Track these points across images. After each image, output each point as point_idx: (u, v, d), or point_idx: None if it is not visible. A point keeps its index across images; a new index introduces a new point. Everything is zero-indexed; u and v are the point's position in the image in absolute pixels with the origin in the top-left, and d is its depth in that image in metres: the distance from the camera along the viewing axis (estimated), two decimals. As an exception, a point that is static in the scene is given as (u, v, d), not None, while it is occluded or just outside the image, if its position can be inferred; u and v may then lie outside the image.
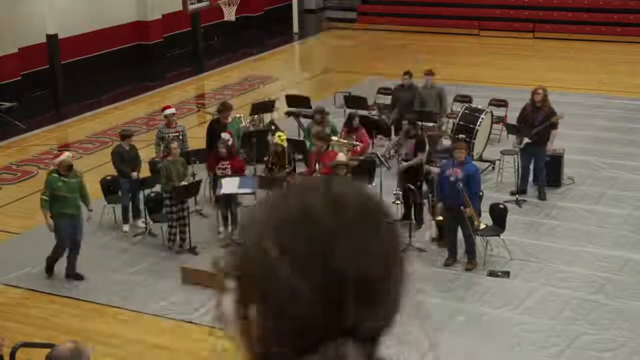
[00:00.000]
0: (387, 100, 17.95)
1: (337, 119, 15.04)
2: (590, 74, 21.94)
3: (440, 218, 11.64)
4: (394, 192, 12.36)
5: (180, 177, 12.05)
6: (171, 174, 11.99)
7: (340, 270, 1.30)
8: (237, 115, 15.12)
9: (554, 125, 13.43)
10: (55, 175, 11.09)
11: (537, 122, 13.33)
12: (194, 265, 11.29)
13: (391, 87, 17.92)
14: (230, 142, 13.26)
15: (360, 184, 1.41)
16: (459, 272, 11.29)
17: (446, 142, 11.99)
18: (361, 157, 12.97)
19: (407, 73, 15.75)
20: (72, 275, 11.42)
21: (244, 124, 15.38)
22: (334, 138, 13.05)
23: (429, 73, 15.44)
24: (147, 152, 15.31)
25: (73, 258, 11.39)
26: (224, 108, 14.00)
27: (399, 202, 12.39)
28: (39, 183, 12.48)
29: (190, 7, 20.96)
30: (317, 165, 11.86)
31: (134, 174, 12.57)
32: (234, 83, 22.04)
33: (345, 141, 13.10)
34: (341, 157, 11.49)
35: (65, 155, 11.45)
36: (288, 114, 17.04)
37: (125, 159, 12.67)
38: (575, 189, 14.06)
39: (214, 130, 13.76)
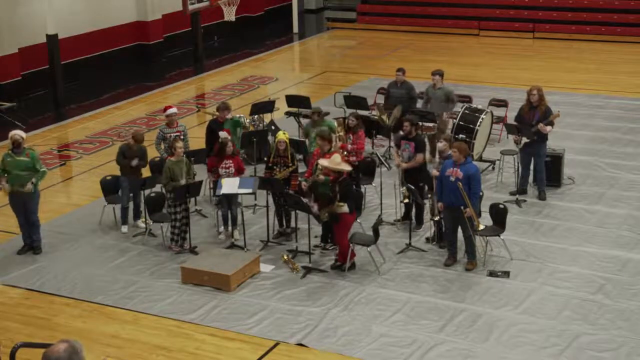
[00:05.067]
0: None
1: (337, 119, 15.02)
2: (590, 74, 21.97)
3: (437, 218, 11.64)
4: (402, 190, 12.20)
5: (183, 176, 12.02)
6: (174, 175, 11.98)
7: None
8: (237, 115, 15.11)
9: (551, 124, 13.42)
10: (9, 151, 12.02)
11: (534, 121, 13.32)
12: (194, 265, 11.29)
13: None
14: (228, 139, 13.26)
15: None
16: (459, 272, 11.29)
17: (440, 145, 11.96)
18: (355, 162, 12.93)
19: (400, 70, 15.74)
20: (27, 244, 12.23)
21: (244, 124, 15.37)
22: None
23: (437, 73, 15.34)
24: (147, 152, 15.33)
25: (30, 233, 12.18)
26: (221, 108, 14.01)
27: (406, 201, 12.24)
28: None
29: (190, 7, 20.98)
30: (319, 165, 11.83)
31: (135, 160, 12.54)
32: (234, 83, 22.04)
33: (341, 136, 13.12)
34: (336, 157, 11.40)
35: (13, 132, 12.14)
36: (288, 114, 17.05)
37: (126, 155, 12.69)
38: (575, 189, 14.06)
39: (212, 130, 13.78)
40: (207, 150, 13.68)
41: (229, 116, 13.90)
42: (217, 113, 14.11)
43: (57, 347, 4.49)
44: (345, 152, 12.89)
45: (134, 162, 12.55)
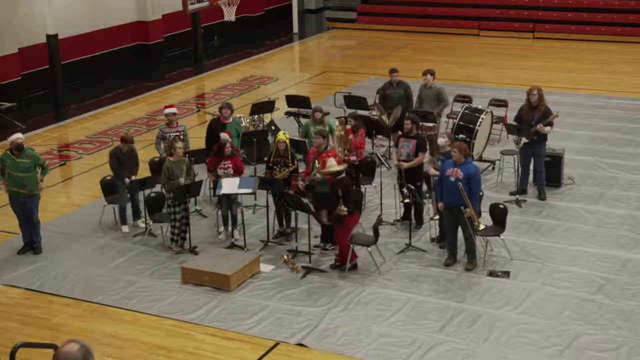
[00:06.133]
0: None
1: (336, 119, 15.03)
2: (590, 74, 21.97)
3: (437, 217, 11.63)
4: (402, 190, 12.21)
5: (183, 176, 12.00)
6: (173, 175, 11.97)
7: None
8: (238, 116, 15.13)
9: (550, 124, 13.43)
10: (8, 152, 12.01)
11: (534, 122, 13.33)
12: (194, 265, 11.29)
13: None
14: (228, 141, 13.25)
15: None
16: (459, 272, 11.29)
17: (441, 140, 11.97)
18: (355, 162, 13.01)
19: (395, 70, 15.76)
20: (27, 244, 12.25)
21: (244, 124, 15.39)
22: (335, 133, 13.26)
23: (428, 72, 15.51)
24: (147, 152, 15.35)
25: (31, 233, 12.22)
26: (223, 107, 14.01)
27: (406, 200, 12.25)
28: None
29: (190, 7, 20.96)
30: (316, 163, 11.85)
31: (128, 180, 12.58)
32: (234, 83, 22.04)
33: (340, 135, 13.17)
34: (332, 162, 11.45)
35: (15, 135, 12.18)
36: (288, 114, 17.05)
37: (122, 161, 12.69)
38: (575, 189, 14.06)
39: (213, 130, 13.77)
40: (206, 150, 13.68)
41: (229, 120, 13.89)
42: (218, 113, 14.10)
43: (70, 348, 4.46)
44: (346, 151, 12.93)
45: (127, 182, 12.58)
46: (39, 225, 12.27)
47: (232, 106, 14.18)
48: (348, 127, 13.24)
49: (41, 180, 12.16)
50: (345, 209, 11.04)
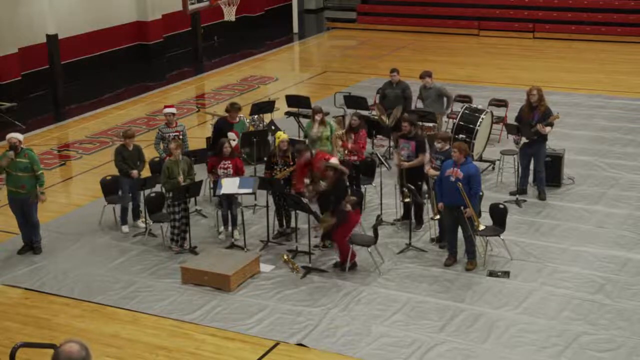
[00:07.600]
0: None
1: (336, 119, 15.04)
2: (590, 74, 21.97)
3: (438, 217, 11.63)
4: (401, 190, 12.25)
5: (185, 176, 12.00)
6: (172, 174, 11.97)
7: None
8: (240, 116, 15.14)
9: (550, 125, 13.44)
10: (7, 152, 11.95)
11: (534, 122, 13.33)
12: (194, 265, 11.29)
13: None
14: (235, 142, 13.26)
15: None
16: (459, 272, 11.29)
17: (438, 145, 12.02)
18: (356, 162, 13.09)
19: (395, 70, 15.83)
20: (27, 244, 12.24)
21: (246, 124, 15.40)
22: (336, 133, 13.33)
23: (426, 75, 15.60)
24: (147, 152, 15.34)
25: (30, 233, 12.21)
26: (232, 108, 14.07)
27: (407, 200, 12.28)
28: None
29: (190, 7, 20.97)
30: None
31: (134, 172, 12.59)
32: (234, 83, 22.04)
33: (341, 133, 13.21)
34: (334, 160, 11.52)
35: (10, 135, 12.13)
36: (288, 114, 17.06)
37: (126, 158, 12.69)
38: (575, 189, 14.06)
39: (221, 129, 13.79)
40: (208, 149, 13.70)
41: (237, 120, 13.95)
42: (218, 114, 14.12)
43: (71, 348, 4.48)
44: (346, 151, 12.97)
45: (134, 174, 12.56)
46: (39, 225, 12.26)
47: (240, 107, 14.23)
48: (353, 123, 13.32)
49: (42, 193, 11.99)
50: (354, 198, 11.04)
